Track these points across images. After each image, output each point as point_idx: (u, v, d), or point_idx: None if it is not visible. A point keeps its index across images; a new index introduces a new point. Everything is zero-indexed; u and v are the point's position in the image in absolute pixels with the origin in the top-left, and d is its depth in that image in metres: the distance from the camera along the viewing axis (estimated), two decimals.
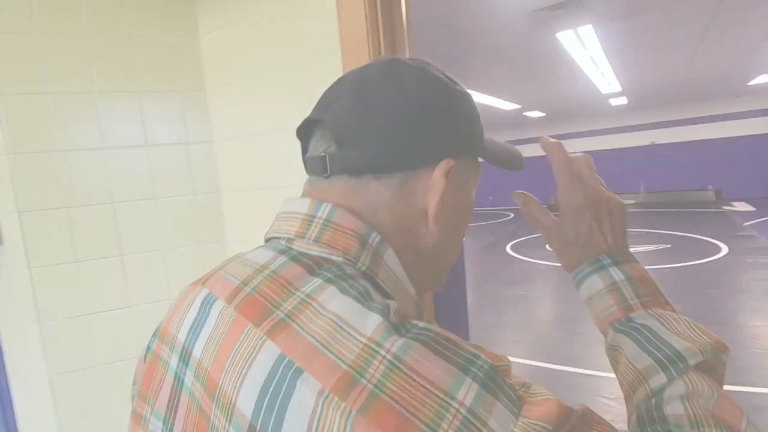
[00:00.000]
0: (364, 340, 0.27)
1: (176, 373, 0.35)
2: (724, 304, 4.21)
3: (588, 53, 4.76)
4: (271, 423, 0.26)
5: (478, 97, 6.93)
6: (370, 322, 0.28)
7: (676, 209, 10.08)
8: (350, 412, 0.25)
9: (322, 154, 0.38)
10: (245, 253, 0.38)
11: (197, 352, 0.33)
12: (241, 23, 1.19)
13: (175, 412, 0.34)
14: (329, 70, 1.05)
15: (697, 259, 5.64)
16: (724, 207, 9.61)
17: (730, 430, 0.33)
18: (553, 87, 6.83)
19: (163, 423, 0.35)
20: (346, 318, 0.28)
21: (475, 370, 0.27)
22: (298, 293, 0.31)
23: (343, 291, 0.30)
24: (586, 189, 0.46)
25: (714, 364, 0.38)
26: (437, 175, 0.37)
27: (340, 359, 0.26)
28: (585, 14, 3.48)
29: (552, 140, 0.48)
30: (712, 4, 3.61)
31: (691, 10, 3.72)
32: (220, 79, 1.25)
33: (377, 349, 0.27)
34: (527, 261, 6.48)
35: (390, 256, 0.37)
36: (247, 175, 1.25)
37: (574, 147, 12.27)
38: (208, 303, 0.35)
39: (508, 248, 7.52)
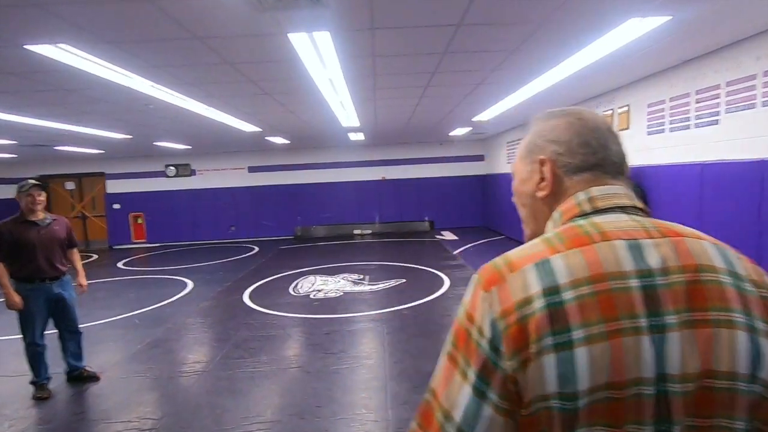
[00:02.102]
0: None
1: (643, 286, 0.61)
2: None
3: (327, 74, 4.15)
4: (725, 263, 0.64)
5: (210, 111, 5.51)
6: None
7: (402, 238, 11.13)
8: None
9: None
10: (601, 221, 0.68)
11: (655, 265, 0.62)
12: None
13: (659, 299, 0.60)
14: None
15: (429, 295, 5.83)
16: (436, 236, 11.17)
17: None
18: (293, 110, 6.11)
19: (648, 315, 0.59)
20: (702, 235, 0.69)
21: None
22: (663, 225, 0.68)
23: None
24: None
25: None
26: None
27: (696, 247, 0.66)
28: (321, 13, 2.69)
29: None
30: (435, 60, 3.48)
31: (424, 48, 3.52)
32: None
33: None
34: (267, 314, 5.38)
35: None
36: None
37: (317, 178, 12.30)
38: (635, 245, 0.63)
39: (245, 296, 6.24)
